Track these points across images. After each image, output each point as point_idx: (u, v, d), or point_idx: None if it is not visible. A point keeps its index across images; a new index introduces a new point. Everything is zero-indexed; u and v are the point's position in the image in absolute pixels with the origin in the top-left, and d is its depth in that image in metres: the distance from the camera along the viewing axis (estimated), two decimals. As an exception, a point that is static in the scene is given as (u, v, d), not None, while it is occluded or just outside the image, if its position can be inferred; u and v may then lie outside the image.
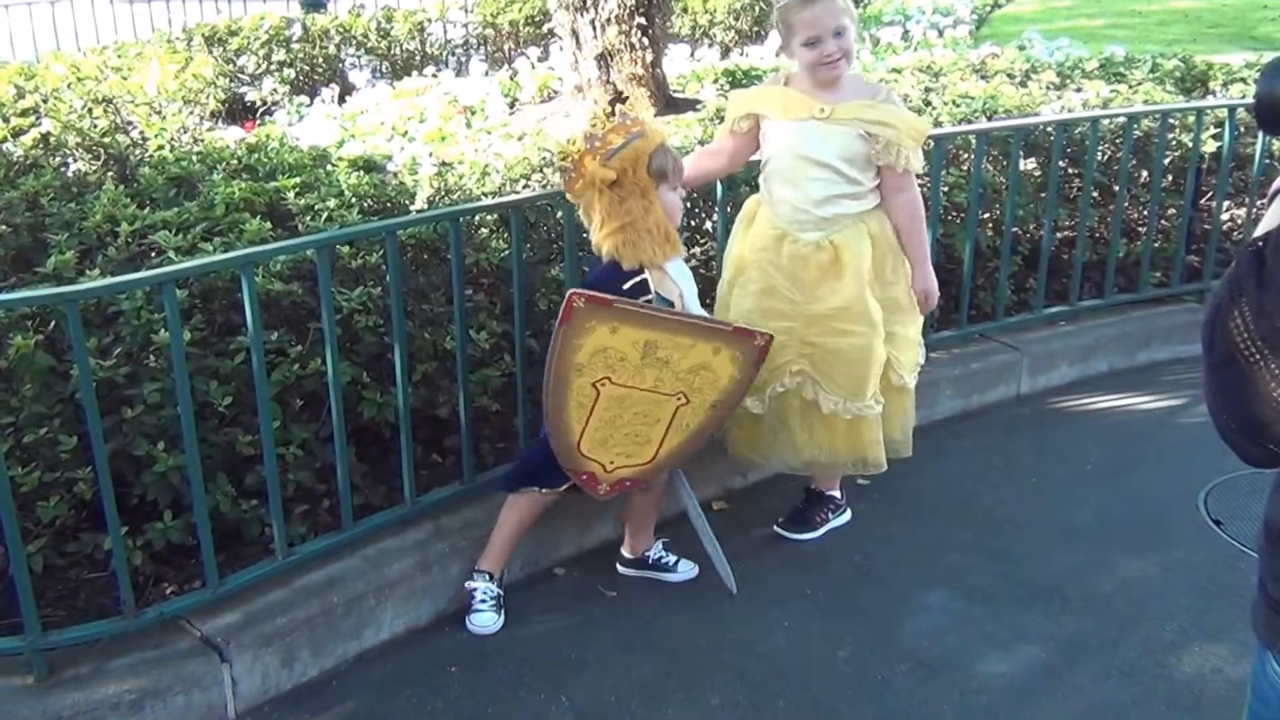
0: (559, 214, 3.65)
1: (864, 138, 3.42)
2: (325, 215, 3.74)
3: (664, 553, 3.68)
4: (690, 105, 7.32)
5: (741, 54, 8.96)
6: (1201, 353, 1.35)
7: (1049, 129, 5.05)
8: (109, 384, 3.12)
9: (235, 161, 4.49)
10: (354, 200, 3.89)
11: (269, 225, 3.67)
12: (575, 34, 7.01)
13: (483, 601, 3.44)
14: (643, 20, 7.02)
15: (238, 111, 7.95)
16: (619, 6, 6.90)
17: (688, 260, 3.64)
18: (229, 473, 3.28)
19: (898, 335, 3.66)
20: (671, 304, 3.21)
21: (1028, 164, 5.18)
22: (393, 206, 3.99)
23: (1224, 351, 1.29)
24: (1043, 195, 5.02)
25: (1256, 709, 1.54)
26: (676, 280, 3.27)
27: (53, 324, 3.28)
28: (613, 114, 3.38)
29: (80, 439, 3.03)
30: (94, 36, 9.33)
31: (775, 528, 3.89)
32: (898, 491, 4.12)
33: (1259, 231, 1.31)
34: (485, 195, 4.18)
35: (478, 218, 3.93)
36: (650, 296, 3.21)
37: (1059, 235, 5.29)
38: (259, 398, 3.05)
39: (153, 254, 3.67)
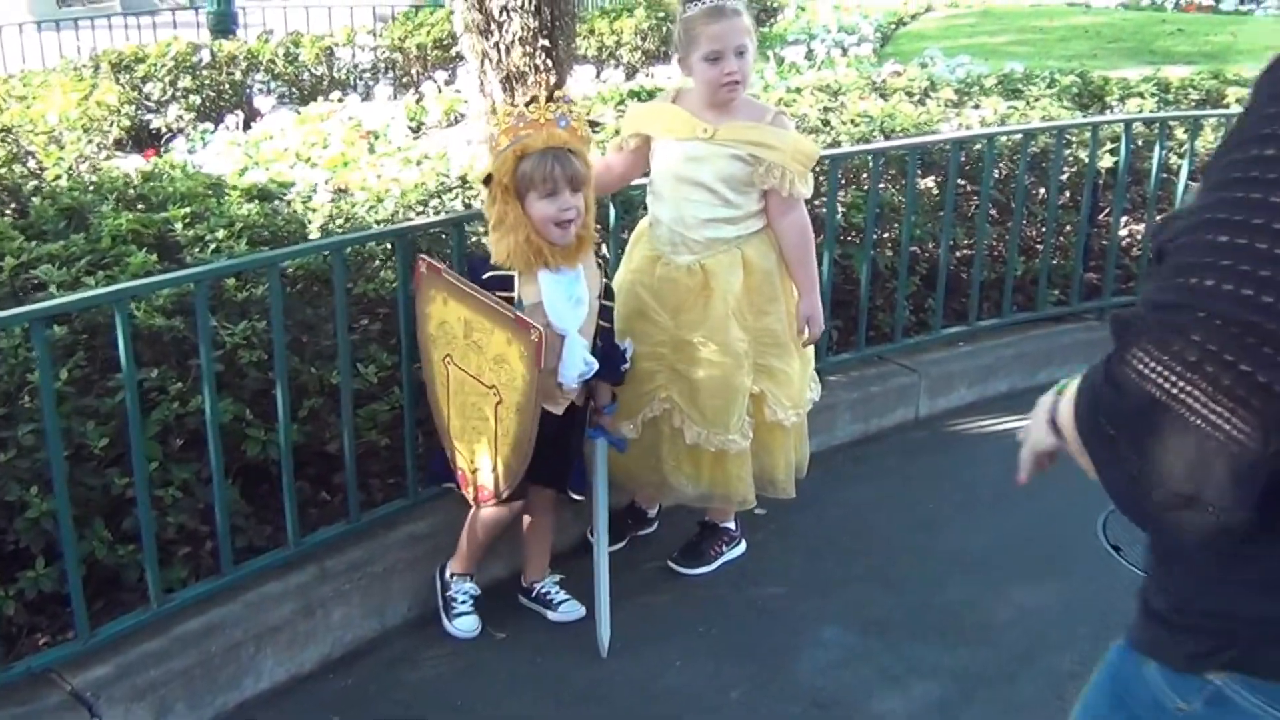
0: (453, 241, 3.61)
1: (746, 160, 3.39)
2: (213, 247, 3.69)
3: (552, 588, 3.63)
4: (591, 126, 7.33)
5: (647, 74, 8.99)
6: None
7: (945, 147, 5.10)
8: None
9: (131, 191, 4.43)
10: (243, 231, 3.85)
11: (155, 258, 3.62)
12: (482, 56, 7.00)
13: (464, 602, 3.45)
14: (546, 42, 7.01)
15: (144, 138, 7.85)
16: (523, 29, 6.88)
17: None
18: (107, 516, 3.22)
19: (775, 369, 3.61)
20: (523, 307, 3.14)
21: (925, 182, 5.22)
22: (284, 237, 3.94)
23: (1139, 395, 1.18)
24: (940, 214, 5.06)
25: (1104, 712, 1.57)
26: (544, 288, 3.19)
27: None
28: (526, 107, 3.26)
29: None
30: (17, 62, 9.18)
31: (668, 562, 3.84)
32: (795, 521, 4.10)
33: None
34: (378, 223, 4.15)
35: (368, 246, 3.88)
36: (511, 295, 3.16)
37: (957, 254, 5.34)
38: (133, 438, 2.99)
39: (36, 289, 3.61)
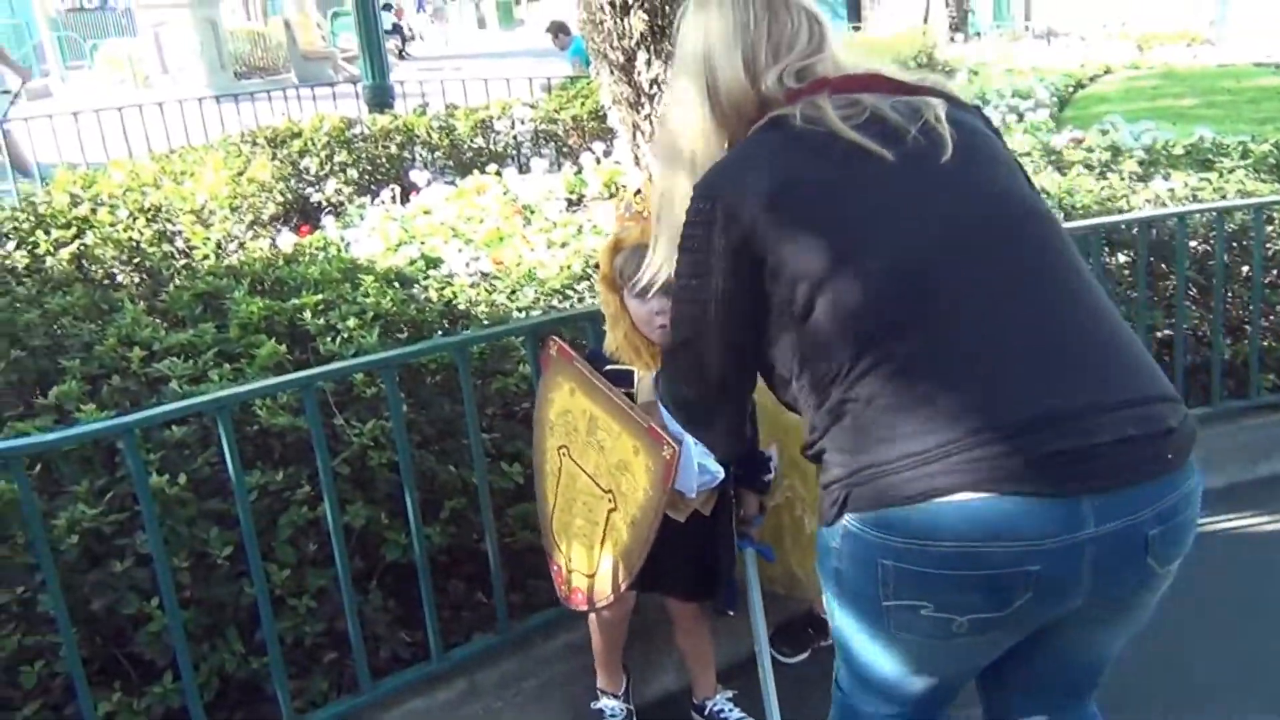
0: (589, 336, 3.37)
1: None
2: (344, 336, 3.51)
3: (725, 705, 3.31)
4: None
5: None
6: None
7: (1132, 227, 4.68)
8: (97, 534, 2.88)
9: (270, 274, 4.30)
10: (375, 319, 3.67)
11: (284, 349, 3.45)
12: (633, 128, 6.81)
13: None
14: (705, 113, 6.79)
15: (307, 211, 7.84)
16: (678, 101, 6.67)
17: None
18: (242, 625, 3.03)
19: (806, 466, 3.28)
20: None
21: (1116, 258, 4.81)
22: (418, 326, 3.75)
23: None
24: (1133, 294, 4.64)
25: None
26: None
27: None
28: (635, 195, 2.97)
29: (72, 599, 2.79)
30: (198, 135, 9.33)
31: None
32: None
33: None
34: (520, 311, 3.93)
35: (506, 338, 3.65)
36: (632, 391, 2.88)
37: (1156, 335, 4.87)
38: (248, 550, 2.79)
39: (164, 381, 3.47)
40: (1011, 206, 1.96)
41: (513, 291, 4.08)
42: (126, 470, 3.03)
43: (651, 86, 6.61)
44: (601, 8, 6.35)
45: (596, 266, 4.39)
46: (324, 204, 7.94)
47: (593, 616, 3.17)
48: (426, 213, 7.06)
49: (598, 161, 7.98)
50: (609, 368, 2.91)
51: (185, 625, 2.84)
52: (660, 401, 2.37)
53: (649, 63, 6.52)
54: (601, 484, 2.81)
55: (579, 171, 7.84)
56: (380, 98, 9.46)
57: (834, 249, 1.86)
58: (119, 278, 4.90)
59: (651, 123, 6.70)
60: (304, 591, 3.08)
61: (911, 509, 1.76)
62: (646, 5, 6.27)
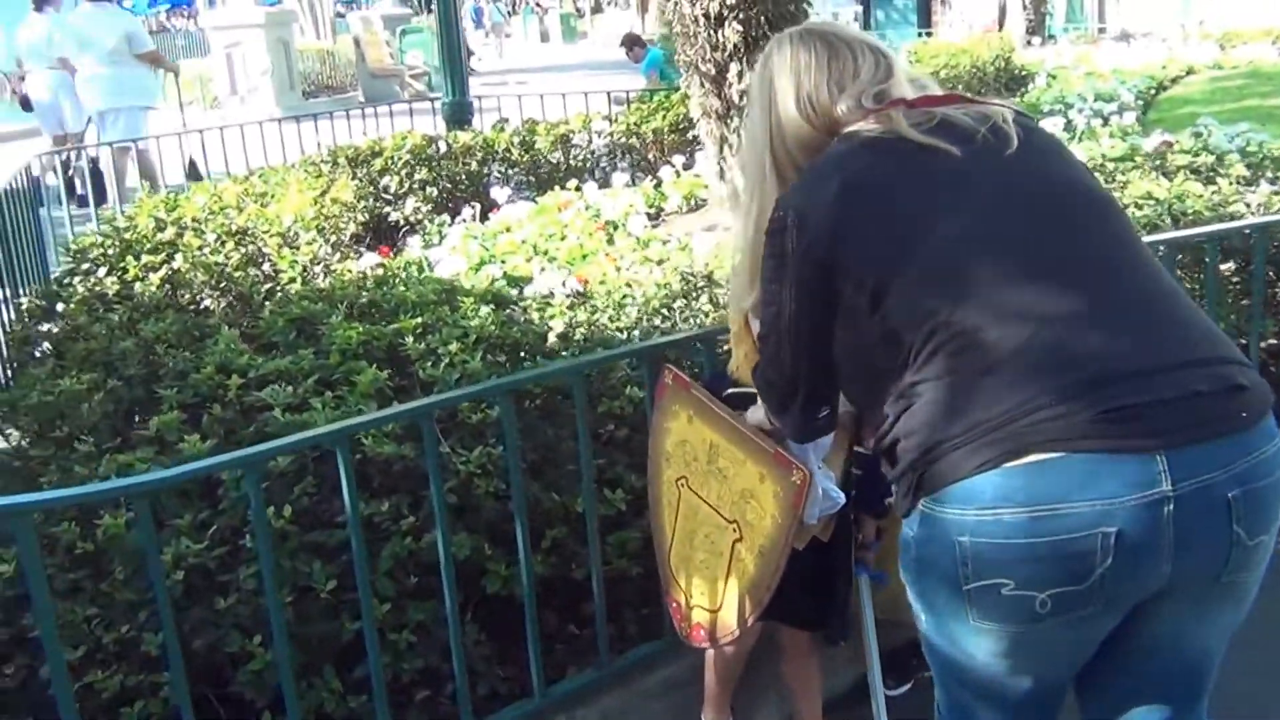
0: (703, 357, 3.25)
1: None
2: (446, 361, 3.43)
3: None
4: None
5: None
6: None
7: (1249, 233, 4.49)
8: (202, 570, 2.81)
9: (362, 295, 4.23)
10: (477, 343, 3.58)
11: (385, 375, 3.37)
12: (721, 141, 6.71)
13: None
14: (792, 124, 6.68)
15: (383, 230, 7.80)
16: (766, 112, 6.57)
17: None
18: (336, 662, 2.94)
19: None
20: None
21: (1224, 267, 4.62)
22: (521, 348, 3.65)
23: None
24: (1245, 302, 4.45)
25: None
26: None
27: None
28: None
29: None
30: (276, 154, 9.38)
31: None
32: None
33: None
34: (621, 331, 3.82)
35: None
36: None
37: (1264, 344, 4.67)
38: (361, 588, 2.70)
39: (261, 409, 3.40)
40: (1075, 190, 2.03)
41: (614, 313, 3.97)
42: (227, 504, 2.97)
43: (741, 99, 6.51)
44: (696, 20, 6.27)
45: (708, 279, 4.30)
46: (402, 222, 7.90)
47: (710, 653, 3.05)
48: (507, 230, 6.99)
49: (677, 175, 7.89)
50: (730, 391, 2.79)
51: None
52: (754, 383, 2.42)
53: (740, 74, 6.43)
54: (725, 514, 2.69)
55: (658, 185, 7.75)
56: (459, 114, 9.40)
57: (899, 238, 1.95)
58: (205, 303, 4.85)
59: (740, 136, 6.60)
60: (404, 626, 2.99)
61: (983, 477, 1.78)
62: (741, 16, 6.19)
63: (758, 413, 2.59)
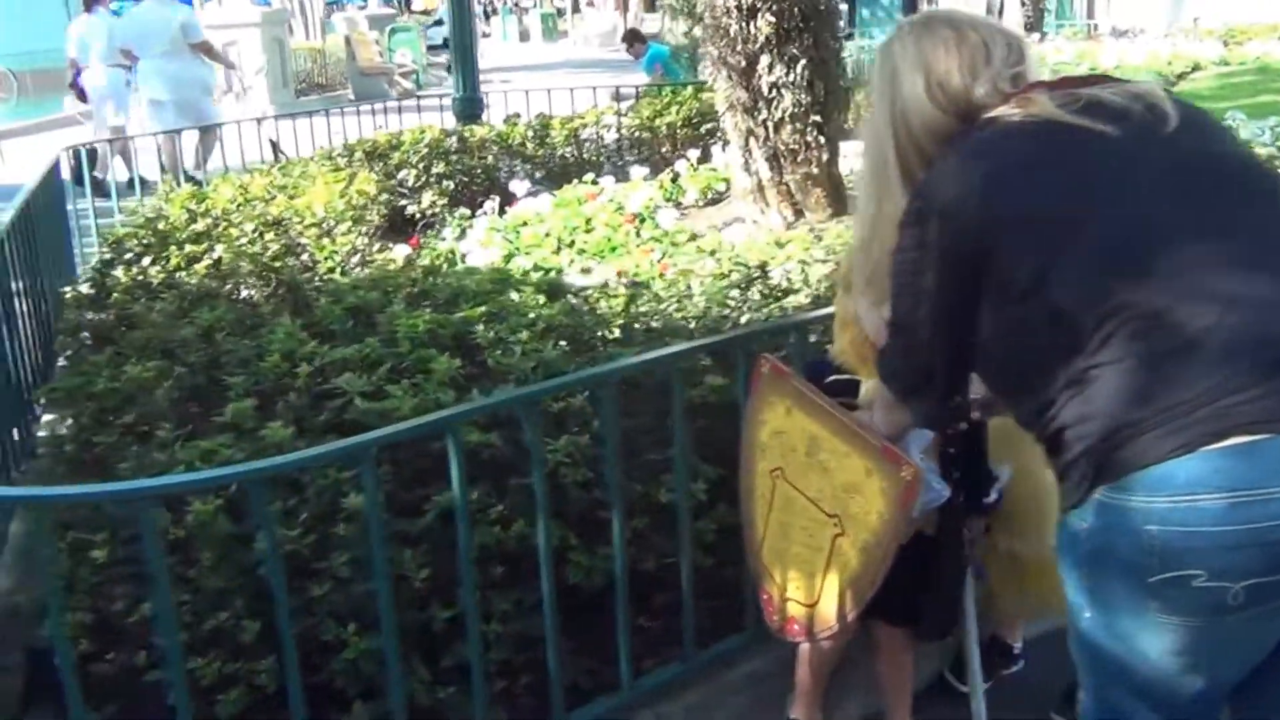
0: (791, 339, 3.21)
1: None
2: (519, 351, 3.39)
3: None
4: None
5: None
6: None
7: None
8: (293, 557, 2.77)
9: (411, 287, 4.20)
10: (546, 332, 3.55)
11: (458, 362, 3.34)
12: (747, 134, 6.68)
13: None
14: (818, 118, 6.67)
15: (398, 224, 7.76)
16: (794, 105, 6.56)
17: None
18: (424, 652, 2.90)
19: None
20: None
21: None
22: (590, 338, 3.62)
23: None
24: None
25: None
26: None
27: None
28: None
29: (265, 625, 2.68)
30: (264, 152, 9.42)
31: (1053, 716, 3.23)
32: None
33: None
34: (689, 320, 3.78)
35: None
36: (852, 402, 2.71)
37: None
38: (464, 576, 2.66)
39: (328, 396, 3.36)
40: (1244, 168, 1.99)
41: (679, 302, 3.93)
42: (313, 491, 2.93)
43: (771, 91, 6.51)
44: (728, 11, 6.26)
45: (762, 269, 4.28)
46: (418, 215, 7.86)
47: (804, 647, 3.01)
48: (525, 224, 6.97)
49: (694, 168, 7.87)
50: (832, 379, 2.76)
51: (376, 655, 2.72)
52: (877, 368, 2.37)
53: (771, 66, 6.42)
54: (825, 507, 2.64)
55: (675, 179, 7.73)
56: (470, 110, 9.36)
57: (1062, 220, 1.89)
58: (244, 292, 4.81)
59: (768, 128, 6.59)
60: (490, 617, 2.96)
61: (1176, 462, 1.70)
62: (775, 8, 6.17)
63: (866, 405, 2.56)
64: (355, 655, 2.72)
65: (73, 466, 3.59)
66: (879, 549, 2.56)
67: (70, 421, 3.74)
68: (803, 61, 6.51)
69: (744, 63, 6.50)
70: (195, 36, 11.19)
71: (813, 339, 3.30)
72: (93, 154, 9.46)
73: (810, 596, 2.74)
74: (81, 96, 12.07)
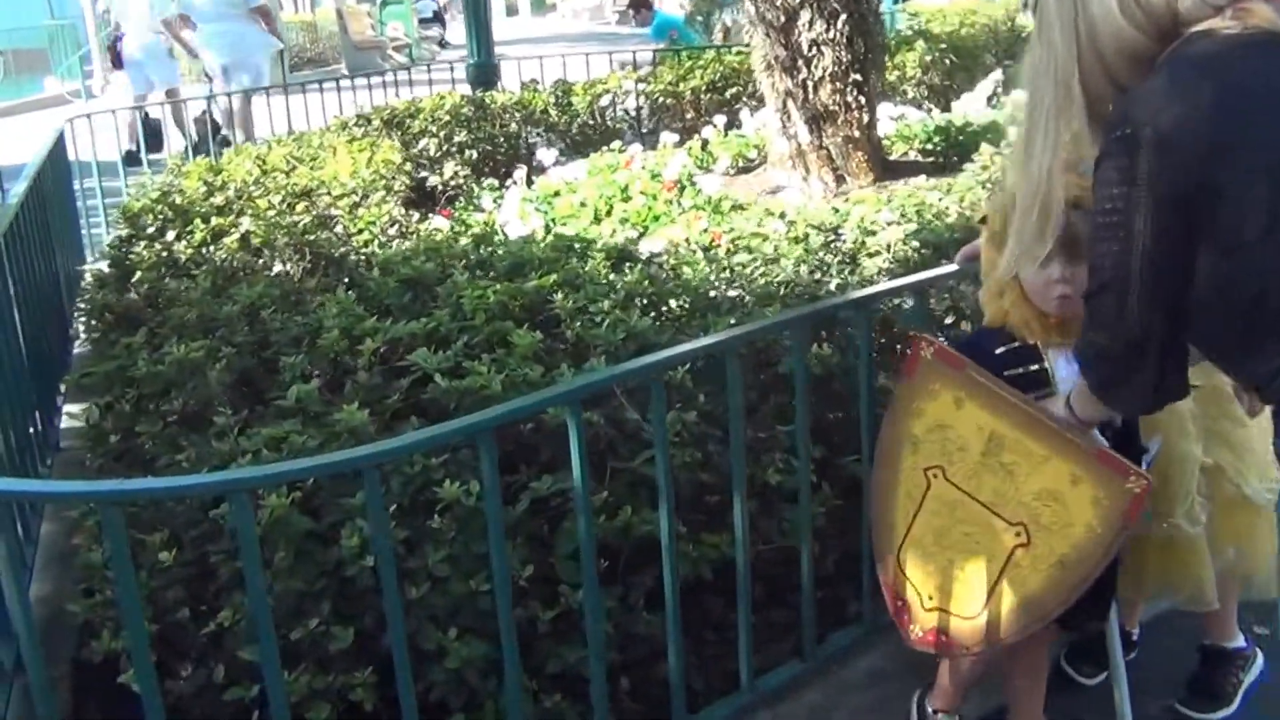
0: (909, 303, 2.93)
1: None
2: (605, 322, 3.10)
3: None
4: (911, 169, 6.62)
5: (942, 110, 8.28)
6: None
7: None
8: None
9: (465, 257, 3.90)
10: (627, 300, 3.26)
11: (539, 335, 3.05)
12: (785, 95, 6.39)
13: None
14: (858, 77, 6.38)
15: (421, 196, 7.43)
16: (835, 64, 6.26)
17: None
18: (524, 657, 2.61)
19: (1231, 435, 2.79)
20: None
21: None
22: (678, 304, 3.33)
23: None
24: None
25: None
26: (1057, 372, 2.44)
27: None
28: None
29: (357, 632, 2.39)
30: (263, 127, 9.22)
31: (1176, 705, 2.99)
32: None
33: None
34: (776, 285, 3.48)
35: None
36: (1036, 368, 2.43)
37: None
38: (586, 573, 2.38)
39: (398, 374, 3.07)
40: None
41: (765, 264, 3.63)
42: (397, 483, 2.64)
43: (811, 48, 6.22)
44: (767, -37, 5.97)
45: (835, 230, 3.98)
46: (440, 186, 7.53)
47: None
48: (557, 194, 6.67)
49: (723, 134, 7.57)
50: (1002, 349, 2.46)
51: (479, 664, 2.44)
52: (1075, 355, 2.11)
53: (811, 22, 6.14)
54: (1006, 515, 2.36)
55: (705, 145, 7.43)
56: (485, 76, 8.99)
57: None
58: (279, 267, 4.50)
59: (807, 88, 6.30)
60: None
61: None
62: (816, -42, 5.89)
63: (1058, 402, 2.28)
64: (458, 664, 2.44)
65: (111, 458, 3.30)
66: (1081, 565, 2.30)
67: (100, 410, 3.44)
68: (843, 16, 6.24)
69: (783, 18, 6.22)
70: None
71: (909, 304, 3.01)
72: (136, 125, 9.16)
73: (966, 609, 2.47)
74: (117, 63, 11.94)
